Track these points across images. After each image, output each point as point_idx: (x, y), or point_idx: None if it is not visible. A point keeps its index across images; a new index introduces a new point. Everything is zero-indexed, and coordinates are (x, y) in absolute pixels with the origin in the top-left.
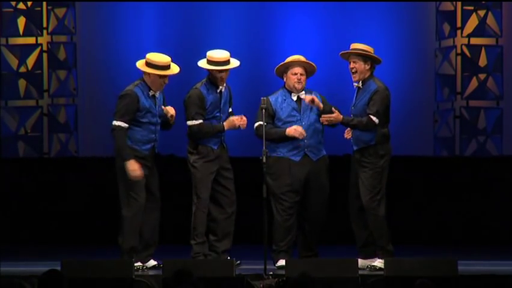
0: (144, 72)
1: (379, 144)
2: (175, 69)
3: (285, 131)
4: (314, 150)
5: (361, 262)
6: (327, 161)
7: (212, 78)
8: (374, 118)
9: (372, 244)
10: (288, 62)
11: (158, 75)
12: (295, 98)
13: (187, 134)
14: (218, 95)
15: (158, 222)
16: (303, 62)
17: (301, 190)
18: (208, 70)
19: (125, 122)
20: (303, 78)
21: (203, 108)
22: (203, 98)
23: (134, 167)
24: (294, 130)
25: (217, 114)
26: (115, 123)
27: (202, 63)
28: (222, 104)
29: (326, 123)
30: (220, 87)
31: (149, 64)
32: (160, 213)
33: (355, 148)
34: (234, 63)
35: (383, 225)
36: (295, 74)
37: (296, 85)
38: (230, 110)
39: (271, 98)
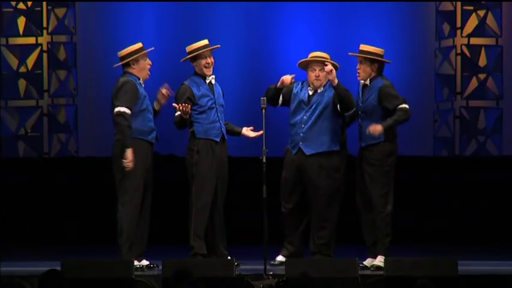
0: (126, 67)
1: (388, 141)
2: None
3: (275, 84)
4: (310, 145)
5: (370, 261)
6: (327, 158)
7: (198, 71)
8: (405, 106)
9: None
10: (308, 60)
11: (140, 57)
12: (311, 93)
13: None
14: (208, 85)
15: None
16: (321, 60)
17: (295, 185)
18: (191, 60)
19: (129, 109)
20: (322, 75)
21: (190, 101)
22: (190, 90)
23: (131, 158)
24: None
25: (212, 105)
26: (118, 109)
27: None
28: (215, 95)
29: (374, 132)
30: (209, 78)
31: (125, 56)
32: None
33: (363, 145)
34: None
35: (388, 222)
36: (314, 70)
37: (315, 82)
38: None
39: (296, 85)
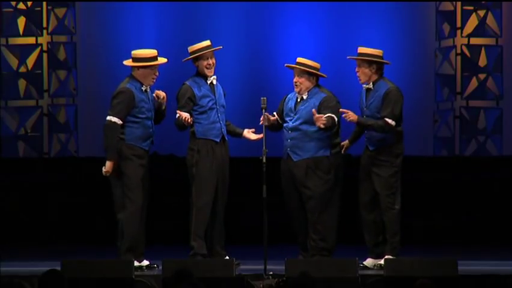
0: (133, 69)
1: (395, 143)
2: (162, 60)
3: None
4: (297, 151)
5: (371, 262)
6: (314, 160)
7: (200, 71)
8: (389, 121)
9: (382, 244)
10: (292, 66)
11: (148, 67)
12: (298, 99)
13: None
14: (209, 86)
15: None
16: (297, 67)
17: (289, 188)
18: (193, 60)
19: (120, 119)
20: (300, 81)
21: (191, 101)
22: (190, 91)
23: (110, 169)
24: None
25: (213, 105)
26: (110, 118)
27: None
28: (216, 96)
29: (346, 117)
30: (211, 78)
31: (136, 59)
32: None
33: (371, 148)
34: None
35: (396, 221)
36: (294, 77)
37: (295, 88)
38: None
39: (292, 96)
